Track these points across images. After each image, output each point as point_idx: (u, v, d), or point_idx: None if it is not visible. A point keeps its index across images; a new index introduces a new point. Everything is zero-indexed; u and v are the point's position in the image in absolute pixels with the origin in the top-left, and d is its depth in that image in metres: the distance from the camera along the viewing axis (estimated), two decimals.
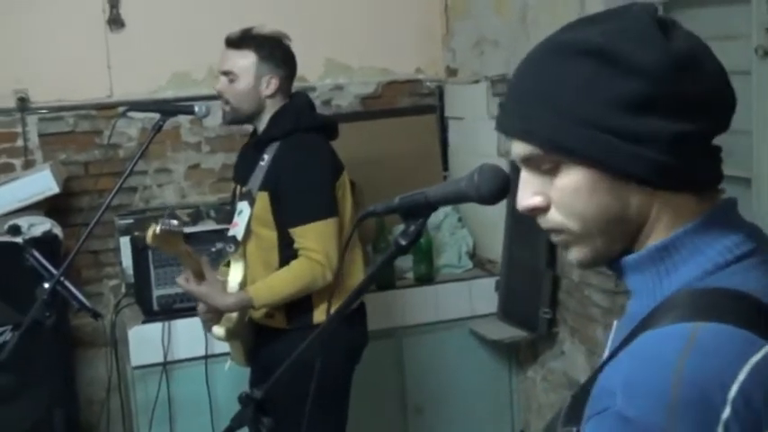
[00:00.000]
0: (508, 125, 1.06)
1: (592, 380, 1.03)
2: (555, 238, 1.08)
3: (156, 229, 2.24)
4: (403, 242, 1.32)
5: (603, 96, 0.99)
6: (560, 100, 1.00)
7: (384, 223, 3.79)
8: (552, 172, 1.03)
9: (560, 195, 1.03)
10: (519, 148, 1.05)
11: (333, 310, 2.20)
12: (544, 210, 1.06)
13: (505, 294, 3.80)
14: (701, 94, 1.00)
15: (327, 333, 1.54)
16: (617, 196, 1.02)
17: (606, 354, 1.11)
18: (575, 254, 1.07)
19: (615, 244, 1.05)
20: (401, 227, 1.33)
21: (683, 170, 1.01)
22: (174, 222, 2.28)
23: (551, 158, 1.02)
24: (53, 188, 3.65)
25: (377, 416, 3.63)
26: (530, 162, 1.05)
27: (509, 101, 1.07)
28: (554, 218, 1.05)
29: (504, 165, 3.60)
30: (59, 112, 3.96)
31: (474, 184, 1.20)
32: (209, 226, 3.67)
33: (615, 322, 1.15)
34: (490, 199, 1.20)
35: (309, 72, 4.11)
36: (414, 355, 3.81)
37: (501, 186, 1.20)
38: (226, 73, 2.71)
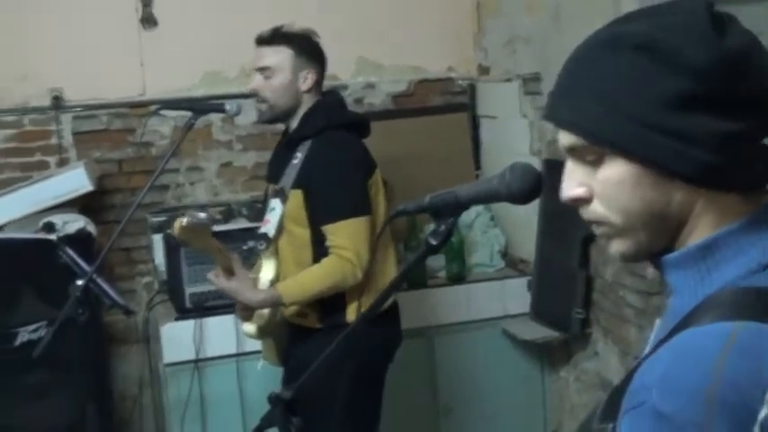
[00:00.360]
0: (556, 114, 1.06)
1: (630, 376, 1.02)
2: (597, 231, 1.07)
3: (183, 221, 2.23)
4: (433, 242, 1.31)
5: (651, 92, 0.98)
6: (608, 93, 1.00)
7: (416, 222, 3.78)
8: (597, 163, 1.03)
9: (603, 187, 1.03)
10: (565, 138, 1.05)
11: (364, 310, 2.20)
12: (587, 201, 1.05)
13: (538, 294, 3.78)
14: (751, 92, 0.98)
15: (357, 333, 1.53)
16: (661, 192, 1.00)
17: (646, 350, 1.09)
18: (616, 246, 1.06)
19: (657, 239, 1.04)
20: (432, 226, 1.31)
21: (729, 170, 0.99)
22: (202, 215, 2.27)
23: (596, 150, 1.02)
24: (87, 186, 3.68)
25: (408, 415, 3.61)
26: (575, 152, 1.05)
27: (558, 90, 1.06)
28: (596, 210, 1.04)
29: (536, 163, 3.57)
30: (93, 111, 3.99)
31: (505, 182, 1.19)
32: (240, 224, 3.68)
33: (657, 321, 1.13)
34: (522, 198, 1.19)
35: (341, 70, 4.11)
36: (445, 355, 3.79)
37: (533, 185, 1.19)
38: (262, 69, 2.71)
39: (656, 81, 0.98)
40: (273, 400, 1.58)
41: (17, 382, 3.45)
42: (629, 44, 0.99)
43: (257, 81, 2.73)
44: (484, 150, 4.31)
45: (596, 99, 1.00)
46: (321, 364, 1.54)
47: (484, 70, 4.33)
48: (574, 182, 1.05)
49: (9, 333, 3.47)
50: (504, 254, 4.05)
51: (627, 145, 0.99)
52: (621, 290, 3.29)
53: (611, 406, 1.03)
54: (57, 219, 3.60)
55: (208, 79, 4.09)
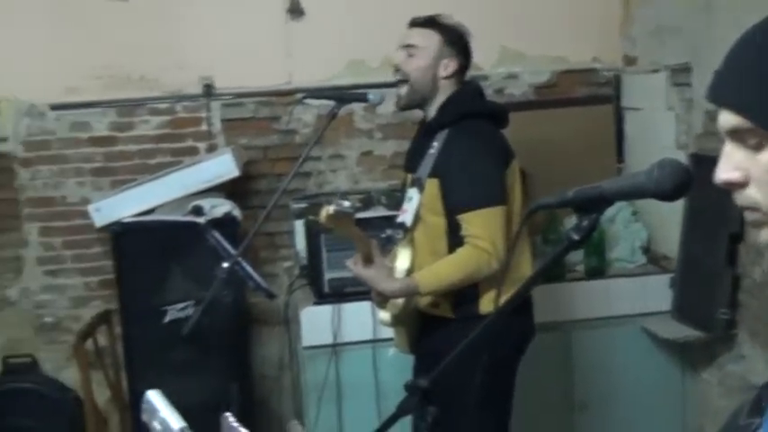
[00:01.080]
0: (721, 94, 1.03)
1: None
2: (749, 217, 1.04)
3: (329, 208, 2.29)
4: (576, 237, 1.29)
5: None
6: None
7: (555, 214, 3.72)
8: (758, 148, 1.00)
9: (762, 173, 1.00)
10: (728, 120, 1.02)
11: (501, 302, 2.19)
12: (742, 185, 1.02)
13: (681, 292, 3.66)
14: None
15: (495, 325, 1.53)
16: None
17: None
18: (766, 235, 1.03)
19: None
20: (572, 219, 1.30)
21: None
22: (347, 203, 2.32)
23: (760, 133, 0.99)
24: (234, 171, 3.81)
25: (541, 409, 3.58)
26: (735, 135, 1.01)
27: (725, 70, 1.03)
28: (752, 195, 1.01)
29: (682, 157, 3.46)
30: (241, 99, 4.12)
31: (653, 179, 1.16)
32: (379, 212, 3.72)
33: None
34: (671, 195, 1.16)
35: (483, 60, 4.08)
36: (581, 350, 3.73)
37: (682, 182, 1.16)
38: (407, 47, 2.75)
39: None
40: (410, 388, 1.60)
41: (165, 357, 3.62)
42: None
43: (401, 57, 2.77)
44: (627, 143, 4.20)
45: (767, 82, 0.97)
46: (458, 354, 1.54)
47: (630, 60, 4.22)
48: (730, 165, 1.02)
49: (159, 311, 3.64)
50: (646, 249, 3.95)
51: None
52: None
53: (759, 402, 1.00)
54: (204, 203, 3.75)
55: (351, 68, 4.15)
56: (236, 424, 1.41)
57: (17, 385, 3.89)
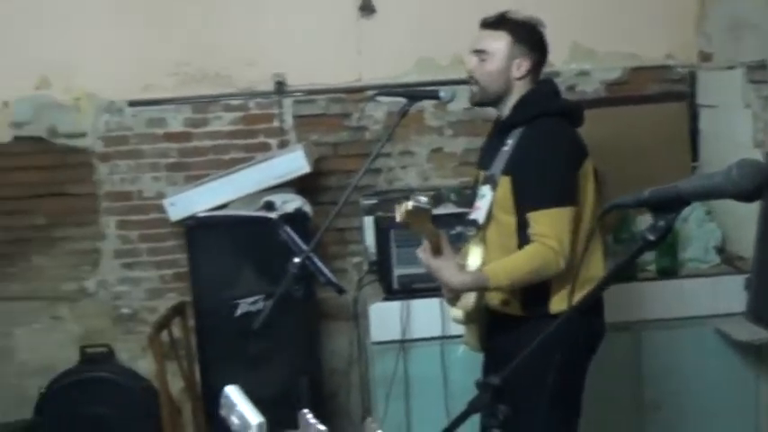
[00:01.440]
0: None
1: None
2: None
3: (407, 204, 2.31)
4: (651, 237, 1.28)
5: None
6: None
7: (627, 213, 3.68)
8: None
9: None
10: None
11: (572, 302, 2.18)
12: None
13: (756, 294, 3.57)
14: None
15: (569, 324, 1.53)
16: None
17: None
18: None
19: None
20: (644, 218, 1.30)
21: None
22: (425, 200, 2.34)
23: None
24: (305, 167, 3.86)
25: (610, 410, 3.55)
26: None
27: None
28: None
29: (759, 156, 3.39)
30: (312, 96, 4.17)
31: (732, 179, 1.15)
32: (449, 209, 3.73)
33: None
34: (750, 196, 1.15)
35: (554, 56, 4.01)
36: (652, 351, 3.68)
37: (763, 183, 1.14)
38: (478, 52, 2.74)
39: None
40: (482, 386, 1.61)
41: (237, 350, 3.69)
42: None
43: (473, 62, 2.76)
44: (702, 141, 4.13)
45: None
46: (531, 352, 1.55)
47: (705, 57, 4.14)
48: None
49: (231, 304, 3.71)
50: (721, 250, 3.88)
51: None
52: None
53: None
54: (276, 198, 3.80)
55: (421, 66, 4.16)
56: (313, 420, 1.44)
57: (94, 374, 4.00)
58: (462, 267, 2.64)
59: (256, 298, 3.70)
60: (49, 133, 4.11)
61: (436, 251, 2.56)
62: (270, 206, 3.75)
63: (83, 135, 4.12)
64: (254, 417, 1.59)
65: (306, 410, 1.56)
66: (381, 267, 3.72)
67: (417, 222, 2.40)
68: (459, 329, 3.01)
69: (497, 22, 2.74)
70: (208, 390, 3.83)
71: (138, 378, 4.05)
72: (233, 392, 1.67)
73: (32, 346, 4.16)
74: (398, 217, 2.34)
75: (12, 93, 4.06)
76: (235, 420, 1.62)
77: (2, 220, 4.12)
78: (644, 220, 3.58)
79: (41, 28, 4.03)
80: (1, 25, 4.02)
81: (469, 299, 2.68)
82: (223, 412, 1.66)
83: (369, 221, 3.93)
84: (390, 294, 3.61)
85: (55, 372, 4.02)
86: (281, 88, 4.15)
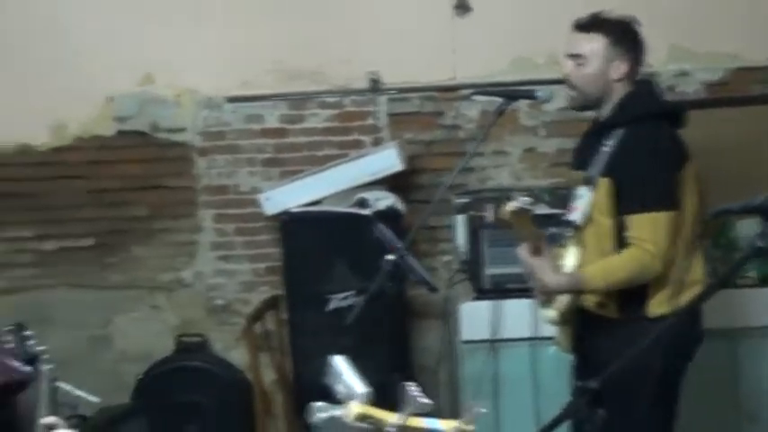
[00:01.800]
0: None
1: None
2: None
3: (513, 204, 2.32)
4: (762, 245, 1.26)
5: None
6: None
7: (727, 218, 3.59)
8: None
9: None
10: None
11: (674, 306, 2.14)
12: None
13: None
14: None
15: (672, 329, 1.51)
16: None
17: None
18: None
19: None
20: (744, 223, 1.27)
21: None
22: (528, 200, 2.35)
23: None
24: (398, 165, 3.89)
25: (706, 418, 3.46)
26: None
27: None
28: None
29: None
30: (407, 94, 4.19)
31: None
32: (542, 210, 3.69)
33: None
34: None
35: (652, 57, 3.95)
36: (751, 360, 3.59)
37: None
38: (574, 57, 2.71)
39: None
40: (579, 390, 1.60)
41: (328, 344, 3.71)
42: None
43: (569, 67, 2.72)
44: None
45: None
46: (630, 357, 1.53)
47: None
48: None
49: (322, 299, 3.76)
50: None
51: None
52: None
53: None
54: (369, 195, 3.84)
55: (516, 65, 4.15)
56: (417, 392, 1.46)
57: (189, 363, 4.11)
58: (558, 268, 2.62)
59: (347, 294, 3.73)
60: (151, 128, 4.23)
61: (535, 251, 2.56)
62: (363, 203, 3.79)
63: (183, 130, 4.23)
64: (359, 386, 1.62)
65: (410, 383, 1.58)
66: (472, 266, 3.72)
67: (519, 222, 2.41)
68: (549, 331, 2.99)
69: (591, 24, 2.69)
70: (299, 382, 3.89)
71: (231, 368, 4.14)
72: (339, 362, 1.71)
73: (131, 334, 4.30)
74: (502, 215, 2.35)
75: (117, 88, 4.20)
76: (341, 389, 1.65)
77: (104, 211, 4.27)
78: (744, 226, 3.50)
79: (145, 27, 4.15)
80: (107, 25, 4.15)
81: (563, 300, 2.66)
82: (329, 380, 1.69)
83: (460, 220, 3.92)
84: (481, 294, 3.61)
85: (152, 359, 4.14)
86: (375, 86, 4.18)
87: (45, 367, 2.08)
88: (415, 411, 1.56)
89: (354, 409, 1.57)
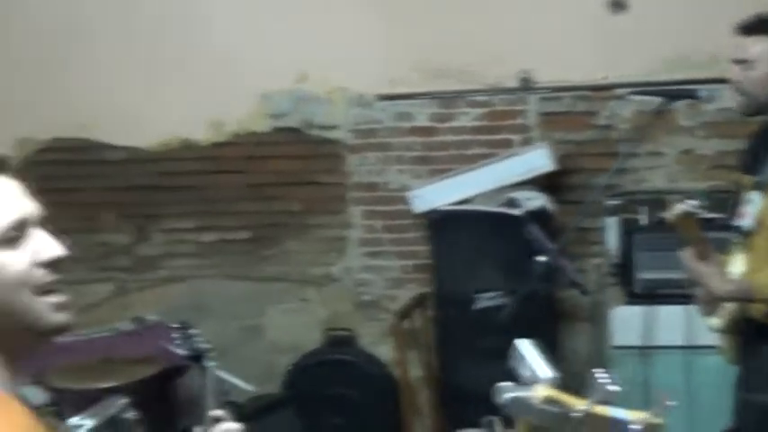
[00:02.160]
0: None
1: None
2: None
3: (683, 207, 2.27)
4: None
5: None
6: None
7: None
8: None
9: None
10: None
11: None
12: None
13: None
14: None
15: None
16: None
17: None
18: None
19: None
20: None
21: None
22: (696, 203, 2.30)
23: None
24: (548, 165, 3.84)
25: None
26: None
27: None
28: None
29: None
30: (558, 93, 4.13)
31: None
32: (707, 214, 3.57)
33: None
34: None
35: None
36: None
37: None
38: (740, 61, 2.61)
39: None
40: (746, 403, 1.54)
41: (474, 343, 3.73)
42: None
43: (735, 72, 2.62)
44: None
45: None
46: None
47: None
48: None
49: (470, 298, 3.76)
50: None
51: None
52: None
53: None
54: (519, 195, 3.81)
55: (672, 63, 4.01)
56: (606, 380, 1.46)
57: (338, 356, 4.19)
58: (726, 275, 2.53)
59: (495, 293, 3.71)
60: (305, 125, 4.34)
61: (701, 257, 2.48)
62: (512, 203, 3.77)
63: (335, 127, 4.32)
64: (545, 370, 1.65)
65: (599, 370, 1.60)
66: (623, 270, 3.64)
67: (685, 226, 2.35)
68: (706, 339, 2.89)
69: (755, 26, 2.59)
70: (445, 380, 3.91)
71: (378, 364, 4.19)
72: (524, 346, 1.74)
73: (282, 326, 4.43)
74: (669, 218, 2.30)
75: (272, 86, 4.32)
76: (526, 372, 1.68)
77: (260, 206, 4.41)
78: None
79: (300, 26, 4.25)
80: (263, 26, 4.28)
81: (730, 308, 2.56)
82: (513, 364, 1.73)
83: (612, 222, 3.84)
84: (633, 298, 3.53)
85: (301, 351, 4.25)
86: (526, 85, 4.14)
87: (211, 363, 2.18)
88: (602, 399, 1.58)
89: (543, 391, 1.60)
